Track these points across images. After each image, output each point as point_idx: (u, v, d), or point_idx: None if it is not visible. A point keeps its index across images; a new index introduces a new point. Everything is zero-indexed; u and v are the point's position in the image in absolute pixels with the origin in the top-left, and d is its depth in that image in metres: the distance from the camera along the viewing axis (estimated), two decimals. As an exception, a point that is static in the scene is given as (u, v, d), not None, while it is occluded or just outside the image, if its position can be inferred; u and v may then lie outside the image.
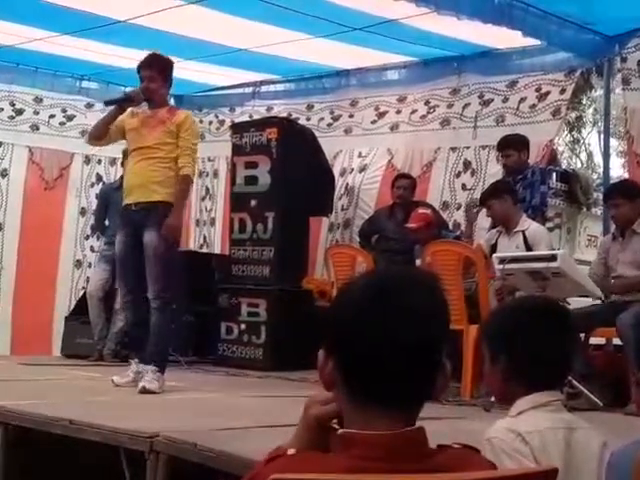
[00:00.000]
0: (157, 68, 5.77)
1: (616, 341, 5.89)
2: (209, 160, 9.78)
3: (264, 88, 9.17)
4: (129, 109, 5.82)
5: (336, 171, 8.48)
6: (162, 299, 5.58)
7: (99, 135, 5.88)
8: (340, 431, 1.42)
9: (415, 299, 1.42)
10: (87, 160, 9.22)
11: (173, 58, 8.03)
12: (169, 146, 5.64)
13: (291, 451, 1.41)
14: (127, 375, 5.66)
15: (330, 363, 1.44)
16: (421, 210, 7.02)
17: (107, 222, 8.11)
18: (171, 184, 5.66)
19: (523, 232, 6.07)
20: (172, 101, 9.88)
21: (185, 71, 8.62)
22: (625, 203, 5.69)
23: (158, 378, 5.47)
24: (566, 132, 19.62)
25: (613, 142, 10.02)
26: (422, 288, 1.45)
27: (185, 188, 5.81)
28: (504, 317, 2.38)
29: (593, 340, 5.91)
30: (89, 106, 9.23)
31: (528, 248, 5.94)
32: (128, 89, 5.95)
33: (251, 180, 7.79)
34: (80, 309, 8.37)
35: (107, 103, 6.00)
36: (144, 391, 5.33)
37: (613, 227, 6.12)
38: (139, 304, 5.73)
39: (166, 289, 5.62)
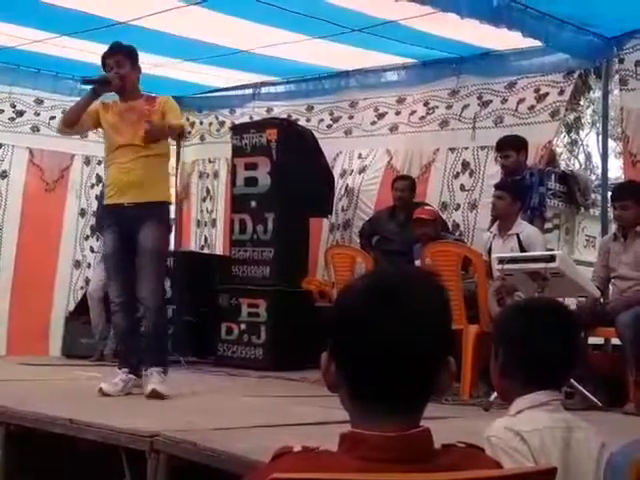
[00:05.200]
0: (123, 53, 5.46)
1: (614, 341, 5.91)
2: (209, 161, 9.80)
3: (264, 89, 9.17)
4: (100, 101, 5.56)
5: (336, 172, 8.49)
6: (158, 299, 5.41)
7: (73, 121, 5.50)
8: (346, 430, 1.42)
9: (414, 299, 1.41)
10: (87, 161, 9.23)
11: (173, 59, 8.16)
12: (159, 141, 5.43)
13: (297, 448, 1.41)
14: (115, 384, 5.37)
15: (333, 365, 1.44)
16: (427, 207, 7.11)
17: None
18: (167, 182, 5.56)
19: (517, 235, 6.11)
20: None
21: (185, 72, 8.66)
22: (633, 206, 5.69)
23: (164, 380, 5.29)
24: (564, 133, 19.59)
25: (611, 143, 10.04)
26: (421, 287, 1.44)
27: (174, 129, 5.44)
28: (508, 315, 2.41)
29: (592, 340, 5.93)
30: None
31: (523, 251, 5.97)
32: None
33: (251, 181, 7.80)
34: (81, 309, 8.41)
35: (85, 82, 5.69)
36: (154, 394, 5.12)
37: (614, 227, 6.13)
38: (132, 307, 5.49)
39: (161, 289, 5.52)
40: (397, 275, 1.50)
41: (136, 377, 5.43)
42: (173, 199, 6.04)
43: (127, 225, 5.38)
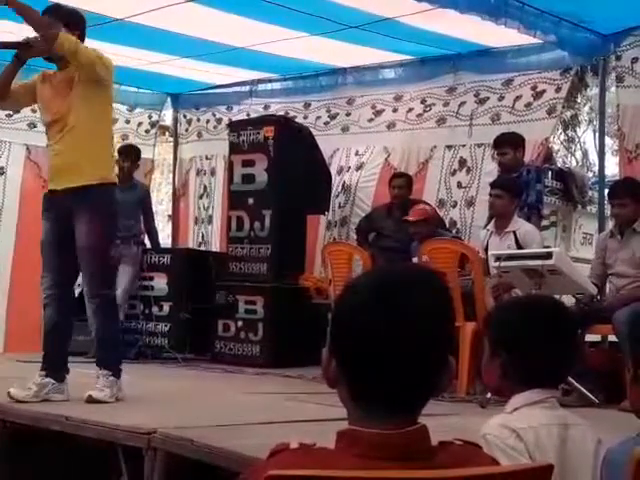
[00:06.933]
0: (59, 15, 4.75)
1: (611, 338, 5.91)
2: (206, 158, 9.79)
3: (261, 86, 9.17)
4: (41, 71, 4.98)
5: (333, 169, 8.49)
6: (101, 297, 4.88)
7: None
8: (344, 428, 1.42)
9: (417, 298, 1.40)
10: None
11: (170, 56, 8.15)
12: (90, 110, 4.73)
13: (294, 445, 1.41)
14: (28, 388, 4.74)
15: (333, 362, 1.44)
16: (421, 206, 7.09)
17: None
18: (104, 161, 4.83)
19: (514, 232, 6.11)
20: (169, 100, 9.94)
21: (182, 69, 8.65)
22: (631, 203, 5.70)
23: (111, 385, 4.80)
24: (561, 130, 19.60)
25: (608, 140, 10.01)
26: (424, 286, 1.43)
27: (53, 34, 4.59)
28: (508, 313, 2.39)
29: (589, 337, 5.93)
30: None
31: (519, 248, 5.97)
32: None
33: (248, 178, 7.80)
34: (77, 306, 8.38)
35: None
36: (91, 400, 4.67)
37: (611, 224, 6.12)
38: (65, 300, 4.96)
39: (105, 285, 4.95)
40: (399, 274, 1.49)
41: (56, 382, 4.84)
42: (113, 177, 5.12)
43: (61, 213, 4.81)
